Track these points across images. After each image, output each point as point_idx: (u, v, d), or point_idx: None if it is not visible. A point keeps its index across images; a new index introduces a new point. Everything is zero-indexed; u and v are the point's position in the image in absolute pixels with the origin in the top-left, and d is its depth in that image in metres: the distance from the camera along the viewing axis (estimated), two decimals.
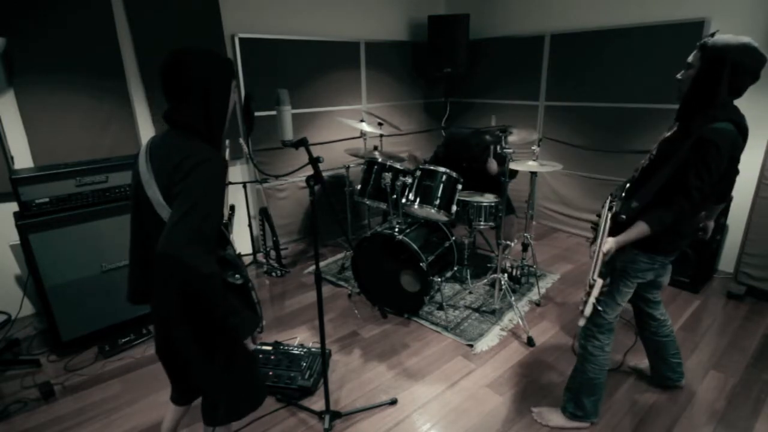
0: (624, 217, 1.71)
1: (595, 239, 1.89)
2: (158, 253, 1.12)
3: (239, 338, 1.34)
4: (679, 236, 1.79)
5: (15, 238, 2.46)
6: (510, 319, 2.93)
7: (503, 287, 2.96)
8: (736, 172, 1.88)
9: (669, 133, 1.74)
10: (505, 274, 3.04)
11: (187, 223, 1.15)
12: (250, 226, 3.82)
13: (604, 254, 1.67)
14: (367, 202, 3.25)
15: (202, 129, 1.31)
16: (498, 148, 2.84)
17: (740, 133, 1.64)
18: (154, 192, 1.26)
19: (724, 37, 1.58)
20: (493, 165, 3.13)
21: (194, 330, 1.34)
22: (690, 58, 1.67)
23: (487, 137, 2.99)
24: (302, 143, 1.73)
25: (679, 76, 1.71)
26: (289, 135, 1.78)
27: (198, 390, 1.65)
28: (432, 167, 2.98)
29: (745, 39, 1.56)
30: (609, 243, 1.68)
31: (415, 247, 2.75)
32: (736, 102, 1.66)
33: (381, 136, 3.78)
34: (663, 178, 1.67)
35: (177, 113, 1.30)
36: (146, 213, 1.30)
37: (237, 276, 1.33)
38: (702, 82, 1.61)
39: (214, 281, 1.19)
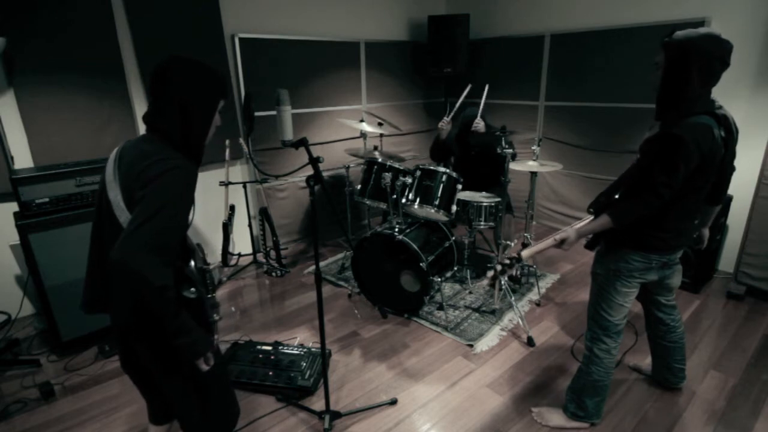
0: (592, 210, 1.79)
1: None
2: (110, 259, 1.07)
3: (189, 359, 1.25)
4: (669, 233, 1.74)
5: (15, 238, 2.46)
6: (510, 319, 2.93)
7: (503, 287, 2.96)
8: (732, 169, 1.86)
9: (650, 133, 1.74)
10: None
11: (145, 231, 1.09)
12: (250, 226, 3.82)
13: (556, 240, 1.75)
14: (367, 202, 3.25)
15: (176, 137, 1.28)
16: (498, 148, 2.85)
17: (720, 124, 1.62)
18: (115, 194, 1.22)
19: (683, 32, 1.58)
20: (480, 124, 3.21)
21: (152, 344, 1.28)
22: (657, 59, 1.66)
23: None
24: (302, 143, 1.73)
25: (652, 77, 1.71)
26: (289, 135, 1.78)
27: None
28: (432, 167, 2.98)
29: (705, 29, 1.57)
30: (567, 231, 1.74)
31: (415, 247, 2.75)
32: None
33: (381, 136, 3.78)
34: (634, 174, 1.70)
35: (153, 117, 1.30)
36: (106, 216, 1.25)
37: (192, 290, 1.26)
38: (671, 78, 1.61)
39: (166, 295, 1.12)
